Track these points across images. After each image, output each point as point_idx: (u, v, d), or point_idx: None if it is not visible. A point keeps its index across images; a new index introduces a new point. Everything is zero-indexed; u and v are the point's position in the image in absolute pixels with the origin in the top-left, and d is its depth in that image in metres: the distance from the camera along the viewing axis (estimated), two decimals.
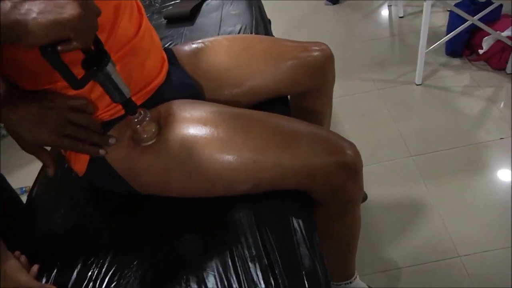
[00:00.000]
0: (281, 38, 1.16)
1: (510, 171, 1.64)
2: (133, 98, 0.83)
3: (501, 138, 1.77)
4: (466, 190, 1.61)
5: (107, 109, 0.82)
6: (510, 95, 1.98)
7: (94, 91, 0.78)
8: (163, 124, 0.83)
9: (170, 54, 1.03)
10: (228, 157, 0.79)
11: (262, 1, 1.73)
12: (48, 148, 0.80)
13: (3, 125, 2.45)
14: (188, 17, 1.59)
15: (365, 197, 1.62)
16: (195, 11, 1.63)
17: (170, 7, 1.71)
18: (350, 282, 1.15)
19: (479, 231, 1.46)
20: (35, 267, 0.80)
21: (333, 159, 0.82)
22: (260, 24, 1.45)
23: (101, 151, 0.81)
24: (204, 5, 1.68)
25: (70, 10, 0.57)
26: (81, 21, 0.58)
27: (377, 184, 1.70)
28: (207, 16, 1.59)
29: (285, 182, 0.83)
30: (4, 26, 0.55)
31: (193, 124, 0.81)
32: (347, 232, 1.02)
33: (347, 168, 0.83)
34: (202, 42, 1.09)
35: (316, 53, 1.10)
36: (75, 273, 0.78)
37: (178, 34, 1.49)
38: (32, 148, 0.78)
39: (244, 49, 1.06)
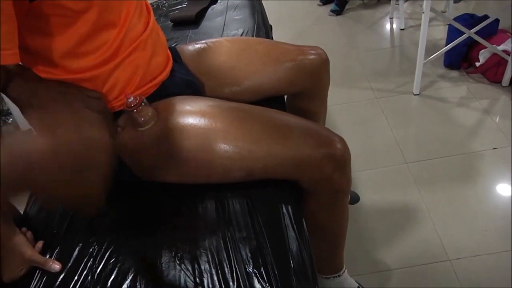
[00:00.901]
0: (280, 41, 1.21)
1: (502, 181, 1.68)
2: (139, 92, 0.89)
3: (494, 148, 1.81)
4: (459, 197, 1.64)
5: (115, 100, 0.88)
6: (505, 107, 2.03)
7: (106, 85, 0.85)
8: (165, 114, 0.88)
9: (175, 53, 1.09)
10: (224, 146, 0.84)
11: (268, 11, 1.79)
12: None
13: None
14: (193, 21, 1.65)
15: (357, 199, 1.65)
16: (200, 15, 1.70)
17: (177, 11, 1.78)
18: (339, 276, 1.18)
19: (470, 236, 1.49)
20: (40, 243, 0.84)
21: (322, 151, 0.87)
22: (262, 29, 1.51)
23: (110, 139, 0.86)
24: (209, 10, 1.74)
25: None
26: None
27: (373, 189, 1.74)
28: (212, 20, 1.65)
29: (276, 171, 0.87)
30: None
31: (193, 115, 0.87)
32: (335, 222, 1.06)
33: (335, 160, 0.88)
34: (205, 43, 1.15)
35: (312, 57, 1.15)
36: (76, 250, 0.83)
37: (183, 36, 1.55)
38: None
39: (244, 50, 1.12)
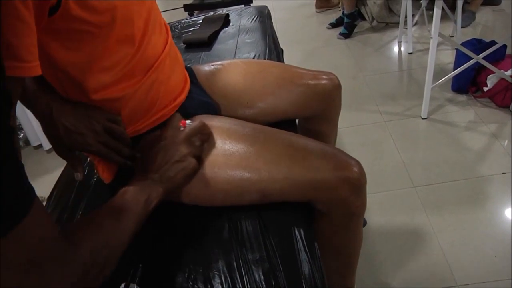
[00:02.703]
0: (293, 65, 1.24)
1: (510, 205, 1.68)
2: (160, 114, 0.91)
3: (503, 173, 1.82)
4: (467, 221, 1.64)
5: (140, 123, 0.90)
6: None
7: (128, 105, 0.86)
8: None
9: (190, 73, 1.11)
10: (245, 168, 0.85)
11: (279, 33, 1.83)
12: None
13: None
14: (206, 43, 1.68)
15: (364, 223, 1.65)
16: (213, 37, 1.73)
17: (190, 33, 1.81)
18: None
19: (478, 262, 1.48)
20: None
21: (339, 173, 0.88)
22: (273, 52, 1.53)
23: (128, 163, 0.87)
24: (221, 32, 1.78)
25: (190, 163, 0.83)
26: (197, 165, 0.85)
27: (380, 212, 1.75)
28: (224, 43, 1.68)
29: (293, 193, 0.88)
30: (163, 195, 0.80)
31: (216, 135, 0.89)
32: (349, 244, 1.06)
33: (352, 183, 0.89)
34: (221, 64, 1.17)
35: (325, 81, 1.18)
36: None
37: (196, 58, 1.58)
38: (67, 152, 0.86)
39: (259, 73, 1.14)
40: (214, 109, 1.08)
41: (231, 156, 0.86)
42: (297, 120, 1.30)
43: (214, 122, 0.93)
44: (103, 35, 0.75)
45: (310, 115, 1.25)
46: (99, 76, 0.79)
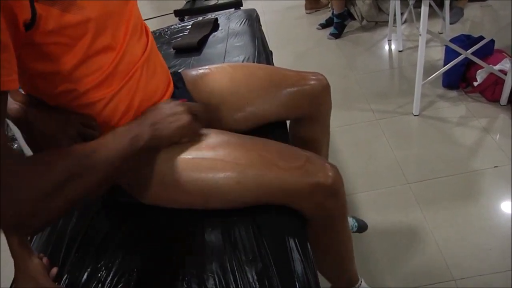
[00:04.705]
0: (281, 67, 1.24)
1: (504, 199, 1.69)
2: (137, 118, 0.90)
3: (495, 167, 1.83)
4: (461, 216, 1.65)
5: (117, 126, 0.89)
6: (504, 125, 2.05)
7: (105, 110, 0.85)
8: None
9: (178, 77, 1.11)
10: (215, 177, 0.86)
11: (269, 35, 1.83)
12: None
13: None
14: (196, 48, 1.69)
15: (365, 227, 1.64)
16: (202, 42, 1.74)
17: (179, 38, 1.82)
18: (360, 285, 1.21)
19: (473, 255, 1.49)
20: (54, 270, 0.86)
21: (309, 180, 0.87)
22: (262, 55, 1.54)
23: None
24: (211, 37, 1.79)
25: (184, 118, 0.85)
26: (192, 124, 0.86)
27: (375, 210, 1.75)
28: (213, 47, 1.69)
29: (267, 199, 0.89)
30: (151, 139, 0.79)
31: (187, 146, 0.90)
32: (336, 244, 1.07)
33: (325, 189, 0.88)
34: (208, 68, 1.17)
35: (313, 82, 1.18)
36: (85, 275, 0.85)
37: (186, 63, 1.59)
38: None
39: (246, 76, 1.15)
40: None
41: (201, 166, 0.87)
42: (288, 124, 1.30)
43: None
44: (80, 45, 0.75)
45: (299, 116, 1.25)
46: (77, 83, 0.79)
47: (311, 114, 1.25)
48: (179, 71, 1.17)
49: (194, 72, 1.17)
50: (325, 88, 1.21)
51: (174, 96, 1.01)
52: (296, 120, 1.32)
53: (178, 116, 0.85)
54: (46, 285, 0.81)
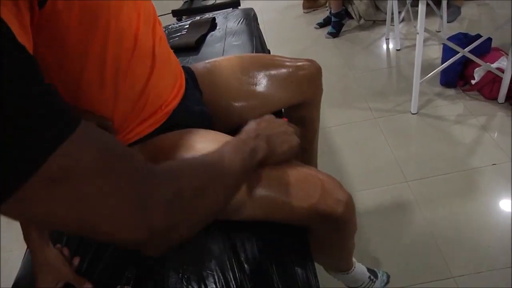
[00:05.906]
0: (276, 55, 1.28)
1: (503, 196, 1.70)
2: (150, 121, 0.89)
3: (493, 164, 1.83)
4: (460, 213, 1.65)
5: (126, 132, 0.87)
6: (502, 123, 2.06)
7: (116, 113, 0.83)
8: (168, 149, 0.88)
9: (190, 73, 1.11)
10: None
11: (267, 34, 1.84)
12: None
13: None
14: (193, 47, 1.69)
15: (387, 279, 1.48)
16: (200, 41, 1.74)
17: (177, 38, 1.82)
18: (347, 273, 1.24)
19: (472, 253, 1.50)
20: (76, 260, 0.85)
21: (320, 215, 0.82)
22: (260, 53, 1.54)
23: None
24: (209, 36, 1.79)
25: (295, 139, 0.82)
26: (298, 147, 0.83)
27: (374, 208, 1.76)
28: (211, 46, 1.69)
29: (277, 219, 0.86)
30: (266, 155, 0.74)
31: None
32: (337, 246, 1.07)
33: (336, 220, 0.84)
34: (215, 60, 1.21)
35: (308, 64, 1.24)
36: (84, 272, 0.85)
37: (184, 62, 1.59)
38: None
39: (251, 65, 1.18)
40: (207, 118, 1.07)
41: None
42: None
43: (196, 143, 0.89)
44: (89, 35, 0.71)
45: (301, 101, 1.27)
46: (91, 78, 0.76)
47: (311, 97, 1.29)
48: (188, 65, 1.18)
49: (202, 64, 1.20)
50: (318, 71, 1.27)
51: (185, 98, 0.98)
52: (294, 107, 1.31)
53: (290, 137, 0.81)
54: (68, 275, 0.81)
